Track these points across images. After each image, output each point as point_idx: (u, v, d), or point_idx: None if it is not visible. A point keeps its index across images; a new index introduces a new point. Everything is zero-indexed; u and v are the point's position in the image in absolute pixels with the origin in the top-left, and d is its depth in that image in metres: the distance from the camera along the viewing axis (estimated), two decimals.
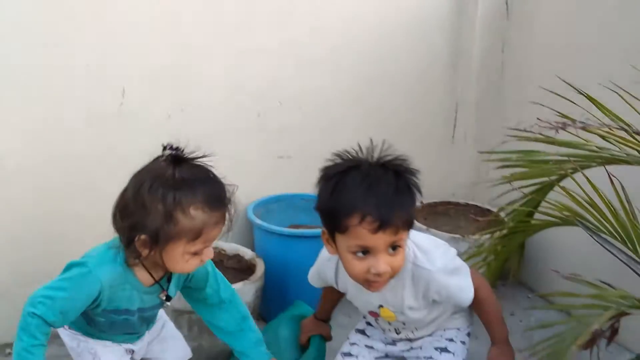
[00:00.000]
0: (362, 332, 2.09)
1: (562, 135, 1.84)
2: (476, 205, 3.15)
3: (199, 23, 2.65)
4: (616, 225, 1.80)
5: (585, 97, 1.88)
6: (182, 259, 1.66)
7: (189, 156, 1.67)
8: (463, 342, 2.01)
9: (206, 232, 1.64)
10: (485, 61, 3.23)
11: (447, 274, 1.79)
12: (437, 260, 1.78)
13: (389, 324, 1.93)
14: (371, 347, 2.05)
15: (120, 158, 2.62)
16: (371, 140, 1.72)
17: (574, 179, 1.83)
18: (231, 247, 2.70)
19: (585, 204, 1.83)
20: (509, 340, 1.95)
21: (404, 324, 1.92)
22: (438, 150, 3.29)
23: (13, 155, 2.45)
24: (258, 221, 2.73)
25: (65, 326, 1.87)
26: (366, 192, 1.60)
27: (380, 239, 1.60)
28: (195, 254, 1.67)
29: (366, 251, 1.63)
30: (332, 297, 2.13)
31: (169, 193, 1.59)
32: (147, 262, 1.71)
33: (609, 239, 1.82)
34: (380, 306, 1.86)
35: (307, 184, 3.03)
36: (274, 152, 2.96)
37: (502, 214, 2.19)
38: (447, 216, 3.15)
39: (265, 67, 2.81)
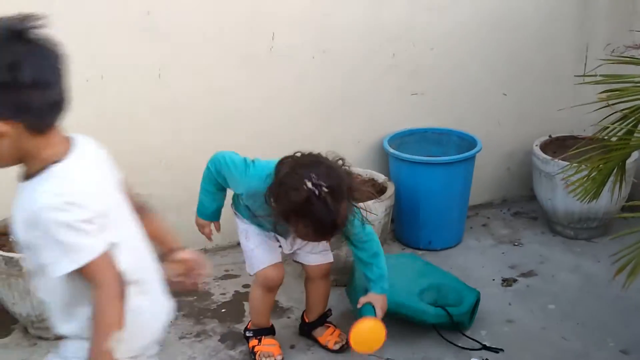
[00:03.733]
0: None
1: None
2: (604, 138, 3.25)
3: None
4: None
5: None
6: None
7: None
8: None
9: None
10: None
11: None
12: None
13: None
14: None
15: (268, 93, 2.99)
16: None
17: None
18: (366, 172, 3.02)
19: None
20: None
21: None
22: (569, 87, 3.40)
23: (184, 88, 2.89)
24: (392, 151, 3.03)
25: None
26: None
27: None
28: None
29: None
30: None
31: (299, 193, 1.98)
32: None
33: None
34: None
35: (438, 119, 3.37)
36: (408, 90, 3.22)
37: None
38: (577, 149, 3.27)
39: (399, 11, 3.07)
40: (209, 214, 2.34)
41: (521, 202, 3.53)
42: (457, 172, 3.03)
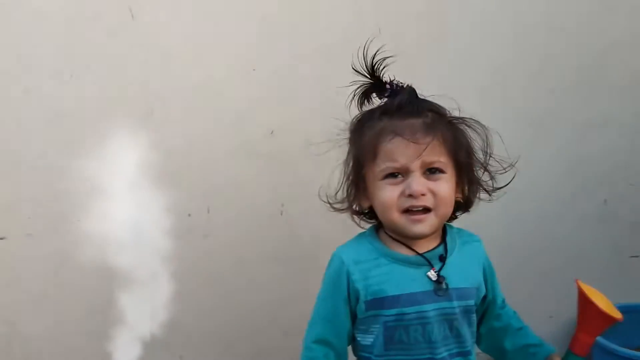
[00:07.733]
0: None
1: None
2: None
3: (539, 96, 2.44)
4: None
5: None
6: (379, 190, 1.49)
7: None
8: None
9: (382, 144, 1.48)
10: None
11: None
12: None
13: None
14: None
15: None
16: None
17: None
18: None
19: None
20: None
21: None
22: None
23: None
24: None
25: None
26: None
27: None
28: (387, 178, 1.48)
29: None
30: None
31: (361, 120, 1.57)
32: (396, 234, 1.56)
33: None
34: None
35: None
36: (626, 250, 2.65)
37: None
38: None
39: (613, 141, 2.52)
40: None
41: None
42: None
